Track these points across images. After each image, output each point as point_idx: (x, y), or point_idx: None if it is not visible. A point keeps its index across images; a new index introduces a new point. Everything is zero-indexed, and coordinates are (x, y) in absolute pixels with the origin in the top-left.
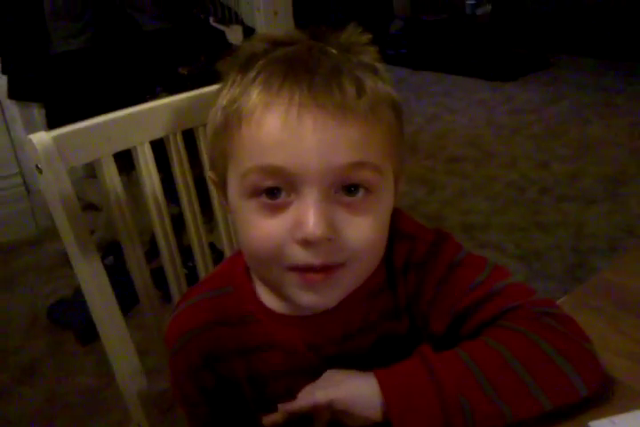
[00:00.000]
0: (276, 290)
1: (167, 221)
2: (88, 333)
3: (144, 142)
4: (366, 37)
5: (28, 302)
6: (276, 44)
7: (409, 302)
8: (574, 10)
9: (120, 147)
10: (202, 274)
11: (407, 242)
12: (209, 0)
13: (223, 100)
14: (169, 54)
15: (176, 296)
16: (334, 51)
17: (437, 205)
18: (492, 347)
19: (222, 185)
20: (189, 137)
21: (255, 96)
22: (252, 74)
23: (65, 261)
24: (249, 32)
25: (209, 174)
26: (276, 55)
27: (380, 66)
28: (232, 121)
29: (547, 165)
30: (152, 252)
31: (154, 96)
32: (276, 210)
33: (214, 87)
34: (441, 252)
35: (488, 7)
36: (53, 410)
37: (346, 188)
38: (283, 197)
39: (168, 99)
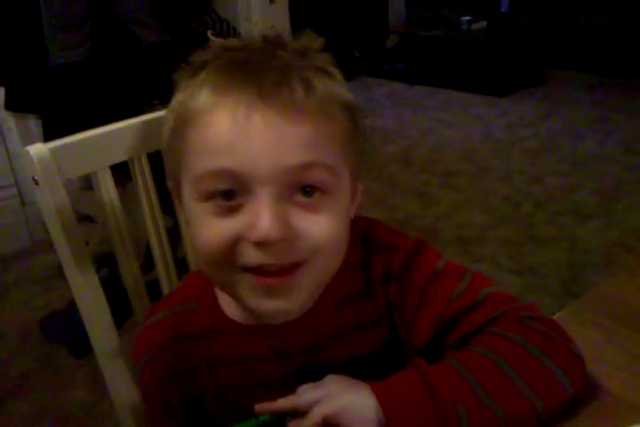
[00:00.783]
0: (234, 297)
1: (163, 233)
2: (81, 346)
3: (141, 154)
4: (319, 43)
5: (20, 315)
6: (227, 49)
7: (391, 313)
8: (569, 26)
9: (117, 159)
10: None
11: (385, 253)
12: (207, 14)
13: (173, 105)
14: (166, 67)
15: None
16: (284, 54)
17: (432, 219)
18: (481, 354)
19: (178, 191)
20: None
21: (204, 98)
22: (201, 76)
23: (59, 273)
24: None
25: (168, 184)
26: (226, 58)
27: (333, 69)
28: (181, 125)
29: (541, 180)
30: (147, 264)
31: (151, 109)
32: (231, 211)
33: None
34: (420, 261)
35: (483, 23)
36: (45, 424)
37: (301, 189)
38: (237, 199)
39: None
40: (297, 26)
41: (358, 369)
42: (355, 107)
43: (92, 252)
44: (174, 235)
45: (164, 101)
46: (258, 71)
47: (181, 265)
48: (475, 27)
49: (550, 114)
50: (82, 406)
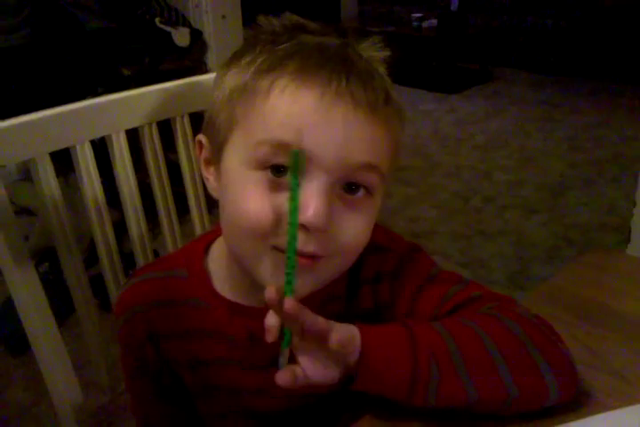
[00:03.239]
0: (249, 268)
1: (108, 226)
2: (19, 344)
3: (84, 141)
4: (384, 53)
5: None
6: (303, 28)
7: (380, 312)
8: (516, 26)
9: (58, 145)
10: None
11: (378, 254)
12: (155, 1)
13: (249, 64)
14: (111, 54)
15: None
16: (364, 56)
17: (385, 213)
18: (467, 325)
19: (215, 150)
20: (132, 137)
21: (291, 70)
22: (286, 47)
23: None
24: (196, 34)
25: (198, 137)
26: (310, 39)
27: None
28: (257, 87)
29: (489, 175)
30: (90, 258)
31: (95, 96)
32: (280, 188)
33: (158, 86)
34: (415, 264)
35: (434, 21)
36: None
37: (348, 185)
38: (289, 177)
39: (110, 96)
40: (249, 16)
41: None
42: (405, 120)
43: (31, 246)
44: (119, 229)
45: (108, 89)
46: (348, 64)
47: (128, 260)
48: (425, 24)
49: (498, 111)
50: (20, 406)
